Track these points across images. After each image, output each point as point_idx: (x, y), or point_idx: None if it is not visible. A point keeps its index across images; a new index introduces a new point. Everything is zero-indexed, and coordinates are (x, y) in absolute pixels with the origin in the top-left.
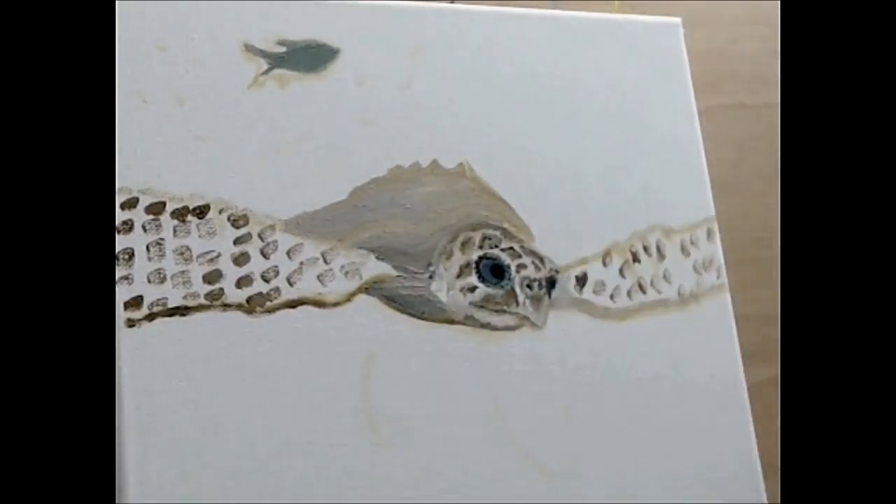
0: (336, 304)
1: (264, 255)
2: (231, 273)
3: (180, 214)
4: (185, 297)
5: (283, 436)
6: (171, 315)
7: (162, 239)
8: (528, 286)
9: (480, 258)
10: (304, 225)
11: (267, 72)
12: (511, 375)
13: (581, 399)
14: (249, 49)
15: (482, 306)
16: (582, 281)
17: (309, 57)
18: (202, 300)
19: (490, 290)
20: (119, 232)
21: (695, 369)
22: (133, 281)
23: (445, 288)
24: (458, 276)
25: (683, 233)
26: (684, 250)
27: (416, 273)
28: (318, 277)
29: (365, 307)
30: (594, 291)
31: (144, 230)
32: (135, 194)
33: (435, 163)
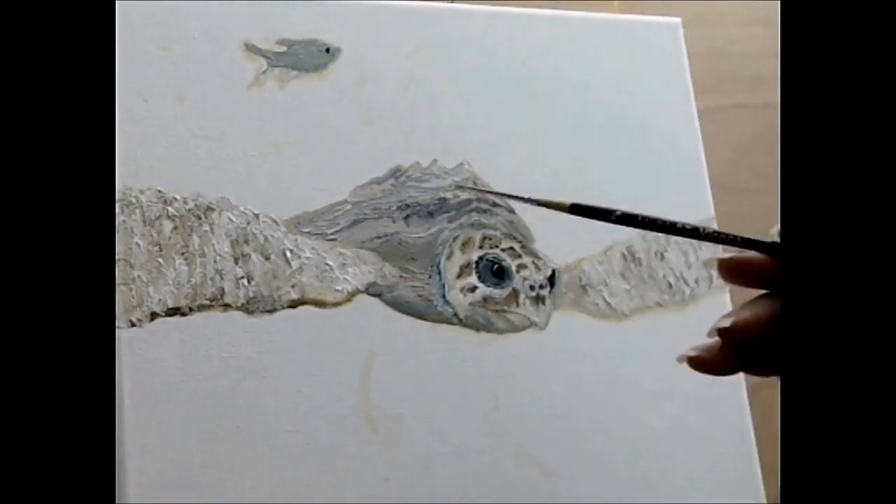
0: (336, 304)
1: (264, 254)
2: (231, 273)
3: (180, 214)
4: (185, 297)
5: (283, 436)
6: (171, 315)
7: (162, 238)
8: (529, 286)
9: (480, 258)
10: (304, 224)
11: (267, 71)
12: (511, 376)
13: (581, 399)
14: (250, 48)
15: (482, 306)
16: (582, 281)
17: (309, 56)
18: (203, 300)
19: (490, 291)
20: (119, 231)
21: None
22: (133, 281)
23: (446, 288)
24: (459, 276)
25: None
26: (684, 251)
27: (416, 273)
28: (318, 277)
29: (365, 307)
30: (594, 292)
31: (144, 230)
32: (135, 194)
33: (435, 162)
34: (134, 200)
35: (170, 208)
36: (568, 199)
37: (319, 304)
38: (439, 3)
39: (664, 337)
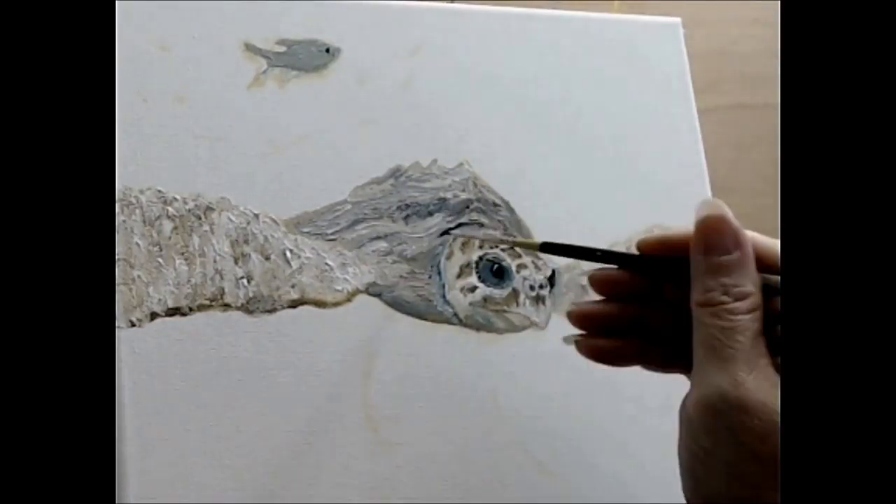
0: (336, 304)
1: (264, 254)
2: (231, 273)
3: (180, 214)
4: (185, 297)
5: (283, 436)
6: (171, 315)
7: (162, 238)
8: (529, 286)
9: (480, 258)
10: (304, 224)
11: (267, 71)
12: (511, 376)
13: (581, 399)
14: (250, 48)
15: (482, 306)
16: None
17: (309, 56)
18: (203, 300)
19: (490, 291)
20: (119, 232)
21: None
22: (133, 281)
23: (446, 288)
24: (459, 276)
25: None
26: None
27: (416, 273)
28: (318, 277)
29: (365, 307)
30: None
31: (144, 230)
32: (135, 194)
33: (435, 162)
34: (134, 200)
35: (170, 208)
36: (567, 199)
37: (319, 304)
38: (439, 3)
39: None
